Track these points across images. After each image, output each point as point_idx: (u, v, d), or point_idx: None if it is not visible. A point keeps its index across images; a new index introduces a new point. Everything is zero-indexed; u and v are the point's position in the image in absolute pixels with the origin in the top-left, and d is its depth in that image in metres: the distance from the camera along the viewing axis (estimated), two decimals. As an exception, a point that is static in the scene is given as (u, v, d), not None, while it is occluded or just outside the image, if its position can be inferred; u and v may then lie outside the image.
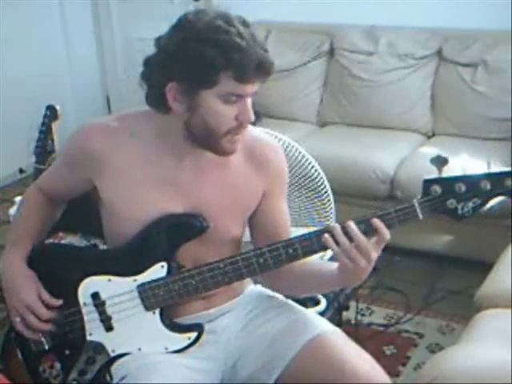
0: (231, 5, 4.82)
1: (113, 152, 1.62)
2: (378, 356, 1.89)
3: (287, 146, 2.21)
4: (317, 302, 2.19)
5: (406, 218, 1.51)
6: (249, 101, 1.54)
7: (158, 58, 1.53)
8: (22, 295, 1.67)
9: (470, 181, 1.48)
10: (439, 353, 2.00)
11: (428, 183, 1.50)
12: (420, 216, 1.51)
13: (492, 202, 1.51)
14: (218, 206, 1.65)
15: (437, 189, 1.50)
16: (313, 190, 2.22)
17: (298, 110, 4.07)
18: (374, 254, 1.50)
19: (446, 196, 1.50)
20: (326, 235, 1.51)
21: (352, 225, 1.50)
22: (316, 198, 2.22)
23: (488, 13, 3.72)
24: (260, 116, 3.92)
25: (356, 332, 2.64)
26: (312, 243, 1.54)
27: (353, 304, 2.57)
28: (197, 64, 1.46)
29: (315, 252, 1.56)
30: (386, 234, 1.50)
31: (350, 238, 1.49)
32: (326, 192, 2.21)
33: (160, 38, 1.53)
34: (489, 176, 1.48)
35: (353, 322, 2.69)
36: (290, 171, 2.21)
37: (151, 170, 1.62)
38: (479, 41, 3.67)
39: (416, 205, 1.51)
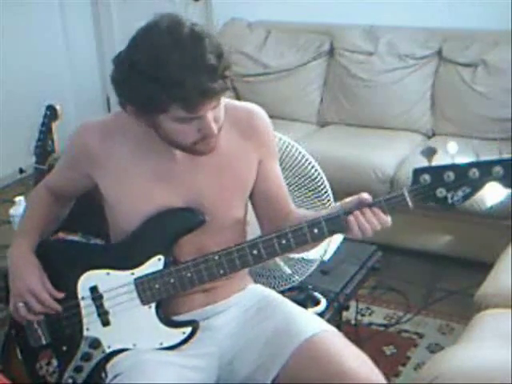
0: (231, 5, 4.83)
1: (110, 149, 1.65)
2: (378, 356, 1.89)
3: (287, 146, 2.21)
4: (317, 302, 2.19)
5: (395, 207, 1.54)
6: (209, 116, 1.51)
7: (114, 81, 1.52)
8: (27, 279, 1.70)
9: (459, 169, 1.50)
10: (439, 353, 2.00)
11: (417, 172, 1.53)
12: (410, 204, 1.52)
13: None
14: (216, 192, 1.66)
15: (426, 178, 1.52)
16: (313, 190, 2.22)
17: (298, 110, 4.07)
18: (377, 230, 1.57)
19: (435, 185, 1.52)
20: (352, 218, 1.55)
21: (375, 210, 1.55)
22: (316, 198, 2.22)
23: (488, 13, 3.72)
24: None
25: (356, 332, 2.65)
26: (304, 233, 1.56)
27: (353, 304, 2.57)
28: (141, 97, 1.47)
29: (307, 242, 1.58)
30: (388, 221, 1.56)
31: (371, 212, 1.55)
32: (326, 192, 2.21)
33: (119, 55, 1.51)
34: (477, 164, 1.49)
35: (353, 322, 2.70)
36: (290, 171, 2.21)
37: (146, 164, 1.64)
38: (479, 41, 3.67)
39: (406, 193, 1.52)
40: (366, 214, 1.55)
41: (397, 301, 3.11)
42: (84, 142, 1.67)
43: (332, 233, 1.59)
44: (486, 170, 1.49)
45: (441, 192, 1.52)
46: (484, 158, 1.50)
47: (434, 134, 3.79)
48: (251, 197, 1.76)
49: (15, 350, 1.83)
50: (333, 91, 4.01)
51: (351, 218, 1.56)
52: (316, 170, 2.21)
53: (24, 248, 1.74)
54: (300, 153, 2.21)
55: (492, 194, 3.16)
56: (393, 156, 3.48)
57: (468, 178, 1.50)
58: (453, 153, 1.50)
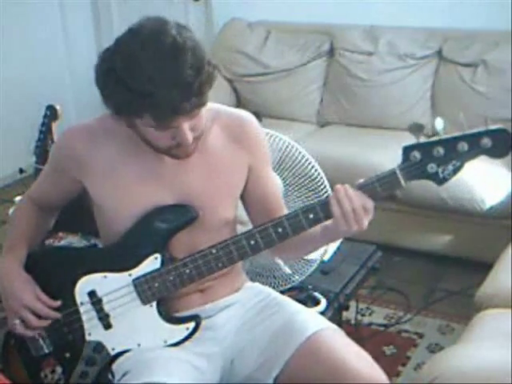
0: (231, 5, 4.82)
1: (96, 152, 1.65)
2: (378, 356, 1.87)
3: (287, 146, 2.21)
4: (317, 302, 2.19)
5: (389, 186, 1.54)
6: (184, 126, 1.49)
7: (96, 78, 1.52)
8: (20, 296, 1.69)
9: (448, 143, 1.51)
10: (439, 353, 2.01)
11: (407, 150, 1.55)
12: (402, 182, 1.53)
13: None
14: (205, 192, 1.66)
15: (416, 154, 1.53)
16: (313, 190, 2.22)
17: (297, 110, 4.07)
18: (366, 222, 1.54)
19: (425, 161, 1.53)
20: (332, 195, 1.54)
21: (351, 190, 1.53)
22: (316, 198, 2.21)
23: (488, 13, 3.72)
24: (260, 116, 3.92)
25: (356, 332, 2.65)
26: (300, 220, 1.57)
27: (353, 304, 2.57)
28: (117, 101, 1.47)
29: (304, 229, 1.58)
30: (369, 201, 1.54)
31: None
32: (326, 192, 2.21)
33: (106, 52, 1.52)
34: (465, 137, 1.50)
35: (353, 322, 2.70)
36: (290, 171, 2.22)
37: (134, 165, 1.64)
38: (479, 41, 3.67)
39: (397, 171, 1.53)
40: (348, 190, 1.53)
41: (397, 301, 3.11)
42: (70, 146, 1.67)
43: (327, 217, 1.57)
44: (474, 142, 1.49)
45: (432, 167, 1.52)
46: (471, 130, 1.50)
47: (434, 134, 3.78)
48: (244, 202, 1.77)
49: (15, 350, 1.82)
50: (333, 91, 4.01)
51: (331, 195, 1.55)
52: (316, 170, 2.21)
53: (12, 264, 1.73)
54: (300, 153, 2.21)
55: (492, 194, 3.17)
56: (393, 156, 3.46)
57: (457, 151, 1.51)
58: (440, 128, 1.52)
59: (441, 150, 1.51)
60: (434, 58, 3.78)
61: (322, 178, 2.21)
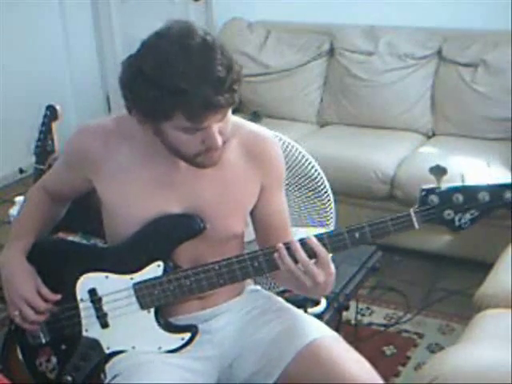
0: (231, 5, 4.82)
1: (109, 154, 1.64)
2: (378, 356, 1.88)
3: (287, 146, 2.21)
4: (316, 303, 2.19)
5: (401, 227, 1.51)
6: (214, 128, 1.48)
7: (121, 84, 1.51)
8: (21, 289, 1.69)
9: (469, 192, 1.46)
10: (439, 353, 2.01)
11: (425, 193, 1.49)
12: (416, 225, 1.49)
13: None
14: (216, 205, 1.65)
15: (434, 199, 1.48)
16: (313, 190, 2.22)
17: (298, 110, 4.07)
18: (321, 277, 1.53)
19: (443, 206, 1.48)
20: (276, 255, 1.54)
21: (297, 245, 1.52)
22: (316, 198, 2.22)
23: (488, 13, 3.72)
24: (260, 116, 3.92)
25: (356, 332, 2.65)
26: (305, 250, 1.54)
27: (353, 304, 2.57)
28: (146, 103, 1.45)
29: (310, 257, 1.55)
30: (322, 252, 1.52)
31: (295, 259, 1.52)
32: (325, 192, 2.21)
33: (129, 59, 1.50)
34: (488, 188, 1.45)
35: (353, 322, 2.70)
36: (290, 171, 2.22)
37: (147, 170, 1.63)
38: (479, 41, 3.67)
39: (412, 214, 1.49)
40: (294, 247, 1.52)
41: (397, 301, 3.11)
42: (84, 145, 1.65)
43: (335, 250, 1.57)
44: (496, 194, 1.44)
45: (448, 214, 1.48)
46: (495, 174, 1.45)
47: (434, 134, 3.79)
48: (252, 218, 1.75)
49: (15, 350, 1.83)
50: (333, 91, 4.01)
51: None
52: (316, 170, 2.21)
53: (16, 254, 1.73)
54: (300, 153, 2.21)
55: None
56: (393, 156, 3.48)
57: (477, 201, 1.45)
58: (462, 172, 1.47)
59: (460, 198, 1.46)
60: (434, 58, 3.78)
61: (322, 178, 2.21)
